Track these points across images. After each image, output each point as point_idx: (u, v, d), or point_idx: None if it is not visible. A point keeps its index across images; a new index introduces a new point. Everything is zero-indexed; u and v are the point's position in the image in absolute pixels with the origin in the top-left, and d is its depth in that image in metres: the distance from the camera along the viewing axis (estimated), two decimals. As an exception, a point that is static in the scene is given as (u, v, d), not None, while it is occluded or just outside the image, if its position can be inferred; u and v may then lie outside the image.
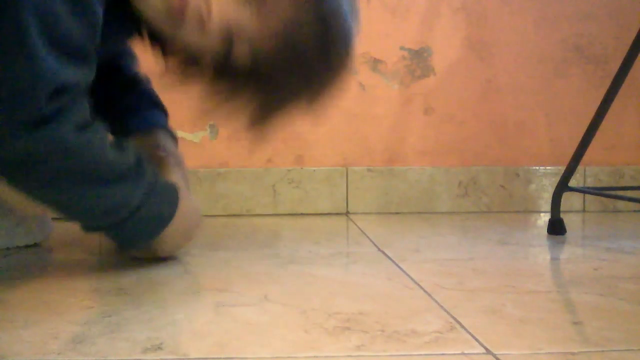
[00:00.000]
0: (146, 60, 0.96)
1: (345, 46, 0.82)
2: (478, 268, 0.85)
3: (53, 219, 1.02)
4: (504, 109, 1.45)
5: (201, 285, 0.75)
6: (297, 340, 0.56)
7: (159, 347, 0.54)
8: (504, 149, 1.45)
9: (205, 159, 1.36)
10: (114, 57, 1.01)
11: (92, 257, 0.89)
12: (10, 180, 0.74)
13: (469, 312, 0.64)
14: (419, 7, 1.41)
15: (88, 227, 0.80)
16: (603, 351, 0.53)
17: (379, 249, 0.98)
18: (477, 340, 0.56)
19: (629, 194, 1.19)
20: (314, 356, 0.52)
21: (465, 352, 0.53)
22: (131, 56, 1.05)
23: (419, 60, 1.42)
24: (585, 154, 1.10)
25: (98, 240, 0.98)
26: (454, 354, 0.53)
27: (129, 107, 1.00)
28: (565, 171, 1.12)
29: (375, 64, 1.41)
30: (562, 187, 1.12)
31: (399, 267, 0.85)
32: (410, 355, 0.53)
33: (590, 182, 1.45)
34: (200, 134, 1.37)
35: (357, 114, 1.40)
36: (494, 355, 0.52)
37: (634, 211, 1.44)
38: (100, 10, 0.71)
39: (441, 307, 0.66)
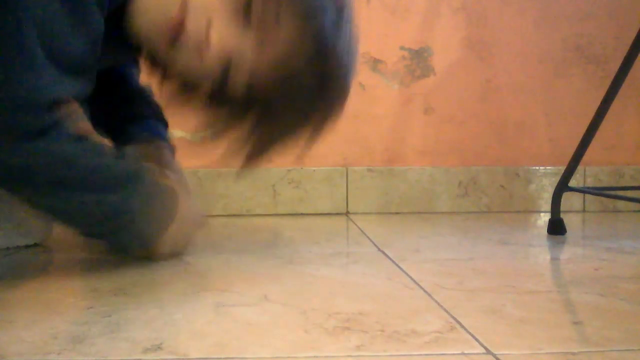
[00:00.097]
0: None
1: (344, 81, 0.83)
2: (478, 268, 0.85)
3: (53, 219, 1.02)
4: (504, 109, 1.45)
5: (201, 286, 0.75)
6: (297, 340, 0.56)
7: (159, 347, 0.54)
8: (504, 149, 1.45)
9: (205, 159, 1.36)
10: (118, 67, 1.01)
11: (92, 257, 0.89)
12: (9, 189, 0.74)
13: (469, 312, 0.64)
14: (419, 7, 1.41)
15: (87, 234, 0.80)
16: (603, 351, 0.53)
17: (379, 249, 0.98)
18: (477, 340, 0.56)
19: (629, 194, 1.19)
20: (314, 356, 0.52)
21: (465, 352, 0.53)
22: (135, 67, 1.05)
23: (419, 60, 1.42)
24: (585, 154, 1.10)
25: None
26: (454, 354, 0.53)
27: (130, 117, 1.01)
28: (565, 171, 1.12)
29: (375, 64, 1.41)
30: (562, 187, 1.12)
31: (399, 267, 0.85)
32: (410, 355, 0.53)
33: (590, 182, 1.45)
34: (200, 134, 1.37)
35: (357, 114, 1.40)
36: (494, 355, 0.52)
37: (634, 211, 1.44)
38: (101, 23, 0.71)
39: (441, 307, 0.66)
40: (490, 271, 0.83)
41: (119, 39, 0.80)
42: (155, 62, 0.85)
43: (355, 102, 1.39)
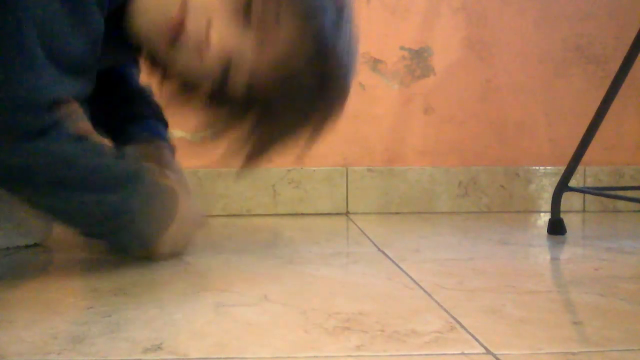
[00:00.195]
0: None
1: (344, 81, 0.83)
2: (478, 268, 0.85)
3: (53, 219, 1.02)
4: (504, 109, 1.45)
5: (201, 286, 0.75)
6: (297, 340, 0.56)
7: (159, 347, 0.54)
8: (504, 149, 1.45)
9: (205, 159, 1.36)
10: (118, 67, 1.01)
11: (92, 257, 0.89)
12: (9, 189, 0.74)
13: (469, 312, 0.64)
14: (419, 7, 1.41)
15: (87, 234, 0.80)
16: (603, 351, 0.53)
17: (379, 249, 0.98)
18: (477, 340, 0.56)
19: (629, 194, 1.19)
20: (314, 356, 0.52)
21: (465, 352, 0.53)
22: (135, 67, 1.05)
23: (419, 60, 1.42)
24: (585, 154, 1.10)
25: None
26: (454, 354, 0.53)
27: (130, 117, 1.01)
28: (565, 171, 1.12)
29: (375, 64, 1.41)
30: (562, 187, 1.12)
31: (399, 267, 0.85)
32: (410, 355, 0.53)
33: (590, 182, 1.45)
34: (200, 134, 1.37)
35: (357, 114, 1.40)
36: (494, 355, 0.52)
37: (634, 211, 1.44)
38: (101, 23, 0.71)
39: (441, 307, 0.66)
40: (490, 271, 0.83)
41: (119, 39, 0.80)
42: (155, 62, 0.85)
43: (355, 102, 1.39)
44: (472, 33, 1.43)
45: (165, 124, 1.04)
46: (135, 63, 1.04)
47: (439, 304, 0.67)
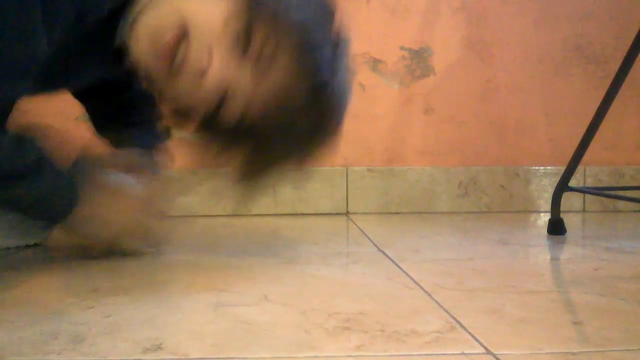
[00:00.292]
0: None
1: (337, 117, 0.83)
2: (478, 268, 0.85)
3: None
4: (504, 109, 1.45)
5: (201, 285, 0.75)
6: (297, 340, 0.56)
7: (159, 347, 0.54)
8: (504, 149, 1.45)
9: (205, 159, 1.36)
10: (123, 75, 1.03)
11: (92, 257, 0.89)
12: None
13: (469, 312, 0.64)
14: (419, 7, 1.41)
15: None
16: (603, 351, 0.53)
17: (379, 249, 0.98)
18: (477, 340, 0.56)
19: (629, 194, 1.19)
20: (314, 356, 0.52)
21: (465, 352, 0.53)
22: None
23: (419, 60, 1.42)
24: (585, 154, 1.10)
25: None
26: (454, 354, 0.53)
27: (124, 122, 1.05)
28: (565, 171, 1.12)
29: (375, 64, 1.41)
30: (562, 187, 1.12)
31: (399, 267, 0.85)
32: (410, 355, 0.53)
33: (590, 182, 1.45)
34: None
35: (357, 114, 1.40)
36: (494, 355, 0.52)
37: (634, 211, 1.44)
38: (44, 43, 0.70)
39: (441, 307, 0.66)
40: (490, 271, 0.83)
41: (116, 58, 0.81)
42: (152, 84, 0.85)
43: (355, 102, 1.38)
44: (472, 33, 1.43)
45: (158, 132, 1.05)
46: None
47: (439, 304, 0.67)
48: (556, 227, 1.12)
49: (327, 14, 0.82)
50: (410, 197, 1.42)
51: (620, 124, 1.46)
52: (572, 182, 1.12)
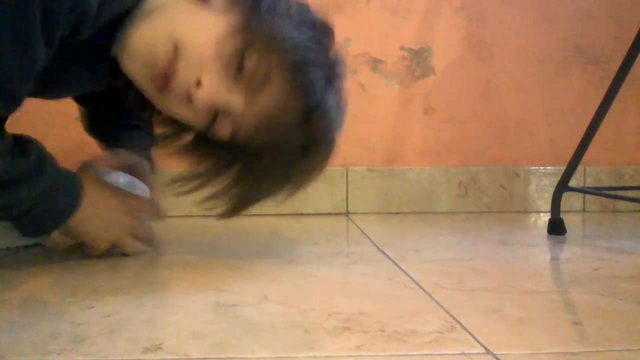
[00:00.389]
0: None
1: (327, 145, 0.83)
2: (478, 268, 0.85)
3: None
4: (504, 109, 1.45)
5: (201, 285, 0.75)
6: (297, 340, 0.56)
7: (159, 347, 0.54)
8: (504, 149, 1.45)
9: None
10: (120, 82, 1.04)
11: (92, 257, 0.89)
12: None
13: (469, 312, 0.64)
14: (419, 7, 1.41)
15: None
16: (603, 351, 0.53)
17: (379, 249, 0.98)
18: (477, 340, 0.56)
19: (629, 194, 1.20)
20: (314, 356, 0.52)
21: (465, 352, 0.53)
22: None
23: (419, 60, 1.42)
24: (585, 154, 1.10)
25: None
26: (454, 354, 0.53)
27: (120, 125, 1.07)
28: (565, 171, 1.12)
29: (375, 64, 1.41)
30: (562, 187, 1.12)
31: (399, 267, 0.85)
32: (410, 355, 0.53)
33: (590, 182, 1.45)
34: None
35: (357, 114, 1.40)
36: (494, 355, 0.52)
37: (634, 211, 1.44)
38: (41, 56, 0.70)
39: (441, 307, 0.66)
40: (490, 271, 0.83)
41: (112, 67, 0.82)
42: (144, 101, 0.85)
43: (355, 102, 1.39)
44: (472, 33, 1.43)
45: (154, 134, 1.06)
46: None
47: (439, 304, 0.67)
48: (556, 227, 1.12)
49: (322, 34, 0.82)
50: (410, 197, 1.42)
51: (620, 124, 1.46)
52: (572, 182, 1.12)
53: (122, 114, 1.07)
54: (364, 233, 1.14)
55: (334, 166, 1.40)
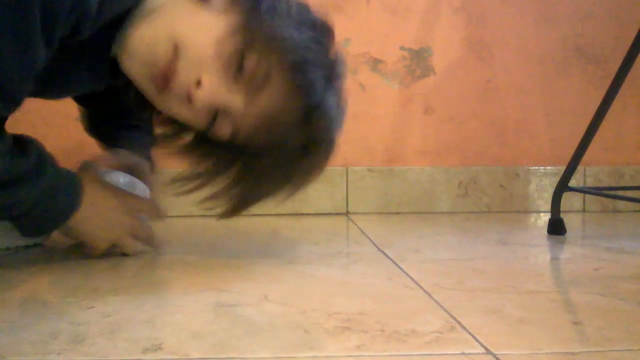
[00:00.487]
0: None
1: (327, 145, 0.83)
2: (478, 268, 0.85)
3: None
4: (504, 109, 1.45)
5: (201, 285, 0.75)
6: (297, 340, 0.56)
7: (159, 347, 0.54)
8: (504, 149, 1.45)
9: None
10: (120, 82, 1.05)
11: (92, 257, 0.89)
12: None
13: (469, 312, 0.64)
14: (419, 7, 1.41)
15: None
16: (603, 351, 0.53)
17: (379, 249, 0.98)
18: (477, 340, 0.56)
19: (629, 194, 1.20)
20: (314, 356, 0.52)
21: (465, 352, 0.53)
22: None
23: (419, 60, 1.42)
24: (585, 154, 1.10)
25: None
26: (454, 354, 0.53)
27: (120, 124, 1.08)
28: (565, 171, 1.12)
29: (375, 64, 1.41)
30: (562, 187, 1.12)
31: (399, 267, 0.85)
32: (410, 355, 0.53)
33: (590, 182, 1.45)
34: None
35: (357, 114, 1.40)
36: (494, 355, 0.52)
37: (634, 211, 1.44)
38: (41, 56, 0.70)
39: (441, 307, 0.66)
40: (490, 271, 0.83)
41: (112, 67, 0.82)
42: (144, 101, 0.85)
43: (355, 102, 1.39)
44: (472, 33, 1.43)
45: (154, 134, 1.07)
46: None
47: (439, 304, 0.67)
48: (556, 227, 1.12)
49: (322, 34, 0.82)
50: (410, 197, 1.42)
51: (620, 124, 1.46)
52: (572, 182, 1.12)
53: (122, 114, 1.07)
54: (364, 233, 1.14)
55: (334, 166, 1.40)
